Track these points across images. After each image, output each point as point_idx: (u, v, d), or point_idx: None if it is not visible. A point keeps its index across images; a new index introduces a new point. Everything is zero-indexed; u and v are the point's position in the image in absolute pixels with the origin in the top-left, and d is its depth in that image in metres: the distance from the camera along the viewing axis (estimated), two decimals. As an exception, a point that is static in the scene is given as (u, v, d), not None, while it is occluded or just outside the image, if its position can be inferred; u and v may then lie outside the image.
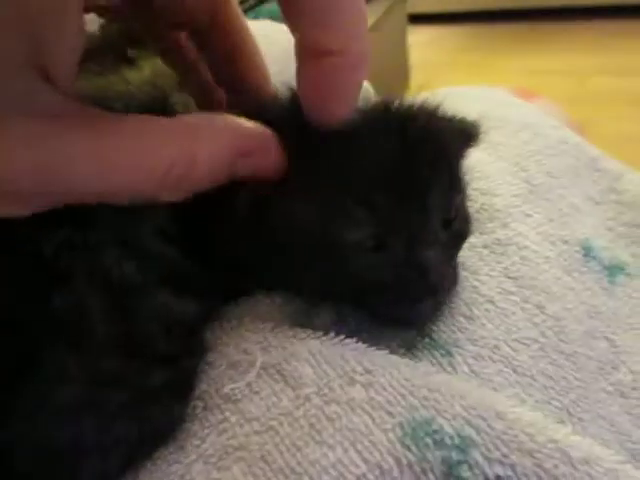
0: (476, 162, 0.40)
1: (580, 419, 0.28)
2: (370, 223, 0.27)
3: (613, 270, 0.36)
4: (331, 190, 0.27)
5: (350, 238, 0.27)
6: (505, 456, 0.23)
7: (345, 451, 0.23)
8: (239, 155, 0.24)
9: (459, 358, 0.28)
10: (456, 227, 0.30)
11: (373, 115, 0.29)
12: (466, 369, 0.28)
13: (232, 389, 0.27)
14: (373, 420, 0.24)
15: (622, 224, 0.39)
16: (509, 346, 0.29)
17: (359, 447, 0.23)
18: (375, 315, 0.29)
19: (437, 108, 0.32)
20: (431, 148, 0.29)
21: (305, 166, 0.27)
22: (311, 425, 0.25)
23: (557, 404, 0.28)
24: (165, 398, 0.27)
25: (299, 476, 0.23)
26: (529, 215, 0.36)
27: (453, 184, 0.31)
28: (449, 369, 0.28)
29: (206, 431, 0.26)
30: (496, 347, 0.29)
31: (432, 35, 2.37)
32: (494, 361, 0.29)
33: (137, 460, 0.27)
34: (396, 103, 0.30)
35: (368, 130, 0.28)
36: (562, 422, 0.28)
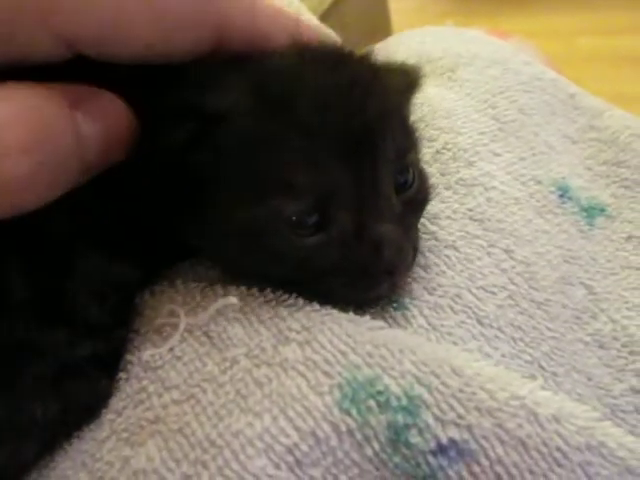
0: (439, 100, 0.36)
1: (553, 373, 0.25)
2: (312, 189, 0.22)
3: (591, 211, 0.33)
4: (261, 149, 0.22)
5: (289, 211, 0.22)
6: (461, 417, 0.20)
7: (274, 419, 0.20)
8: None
9: (414, 310, 0.25)
10: (413, 192, 0.26)
11: (309, 57, 0.24)
12: (422, 322, 0.25)
13: (152, 355, 0.23)
14: (308, 382, 0.21)
15: (602, 163, 0.36)
16: (473, 294, 0.26)
17: (290, 414, 0.20)
18: (325, 299, 0.24)
19: (371, 54, 0.27)
20: (377, 95, 0.24)
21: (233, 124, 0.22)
22: (237, 391, 0.21)
23: (527, 357, 0.25)
24: (93, 372, 0.24)
25: (219, 449, 0.20)
26: (498, 154, 0.33)
27: (405, 139, 0.26)
28: (403, 323, 0.25)
29: (122, 404, 0.23)
30: (458, 296, 0.26)
31: (415, 0, 2.30)
32: (455, 312, 0.25)
33: (59, 441, 0.24)
34: (330, 47, 0.25)
35: (302, 75, 0.23)
36: (532, 377, 0.24)
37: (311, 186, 0.22)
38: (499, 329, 0.25)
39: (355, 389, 0.20)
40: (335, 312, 0.23)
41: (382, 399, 0.20)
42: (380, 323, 0.23)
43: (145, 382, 0.23)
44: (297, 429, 0.20)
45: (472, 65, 0.39)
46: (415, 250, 0.25)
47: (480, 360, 0.23)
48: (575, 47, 1.69)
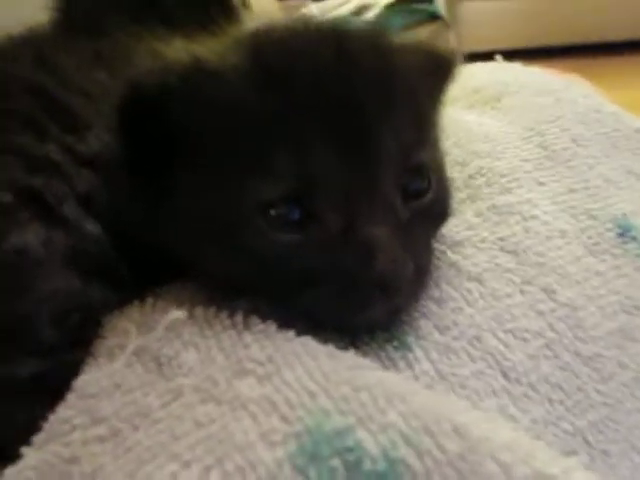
0: (478, 125, 0.32)
1: (604, 452, 0.19)
2: (292, 173, 0.19)
3: (662, 256, 0.26)
4: (239, 128, 0.19)
5: (265, 195, 0.19)
6: (459, 496, 0.14)
7: (204, 471, 0.15)
8: None
9: (419, 352, 0.20)
10: (428, 201, 0.21)
11: (306, 31, 0.22)
12: (428, 367, 0.19)
13: (89, 381, 0.19)
14: (259, 427, 0.16)
15: (674, 203, 0.30)
16: (498, 339, 0.20)
17: (227, 467, 0.15)
18: (310, 320, 0.20)
19: (392, 32, 0.24)
20: (384, 76, 0.21)
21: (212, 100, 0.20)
22: (171, 430, 0.17)
23: (567, 427, 0.19)
24: (27, 396, 0.20)
25: (129, 505, 0.15)
26: (542, 183, 0.28)
27: (419, 132, 0.22)
28: (401, 366, 0.19)
29: (44, 436, 0.19)
30: (477, 339, 0.20)
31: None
32: (472, 359, 0.20)
33: None
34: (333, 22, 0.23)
35: (296, 47, 0.20)
36: (573, 454, 0.18)
37: (292, 168, 0.19)
38: (530, 386, 0.19)
39: (317, 442, 0.15)
40: (313, 343, 0.19)
41: (352, 459, 0.15)
42: (367, 362, 0.18)
43: (73, 412, 0.19)
44: (232, 489, 0.15)
45: (519, 93, 0.35)
46: (423, 273, 0.20)
47: (497, 422, 0.17)
48: None
